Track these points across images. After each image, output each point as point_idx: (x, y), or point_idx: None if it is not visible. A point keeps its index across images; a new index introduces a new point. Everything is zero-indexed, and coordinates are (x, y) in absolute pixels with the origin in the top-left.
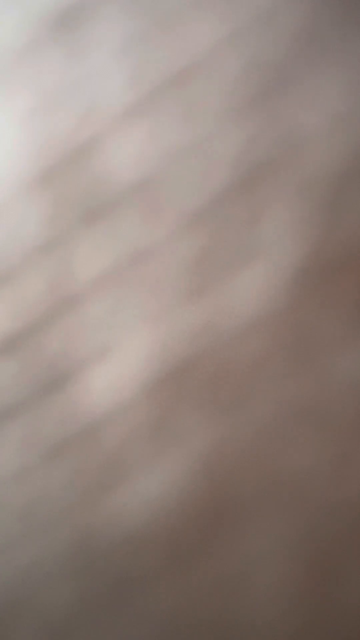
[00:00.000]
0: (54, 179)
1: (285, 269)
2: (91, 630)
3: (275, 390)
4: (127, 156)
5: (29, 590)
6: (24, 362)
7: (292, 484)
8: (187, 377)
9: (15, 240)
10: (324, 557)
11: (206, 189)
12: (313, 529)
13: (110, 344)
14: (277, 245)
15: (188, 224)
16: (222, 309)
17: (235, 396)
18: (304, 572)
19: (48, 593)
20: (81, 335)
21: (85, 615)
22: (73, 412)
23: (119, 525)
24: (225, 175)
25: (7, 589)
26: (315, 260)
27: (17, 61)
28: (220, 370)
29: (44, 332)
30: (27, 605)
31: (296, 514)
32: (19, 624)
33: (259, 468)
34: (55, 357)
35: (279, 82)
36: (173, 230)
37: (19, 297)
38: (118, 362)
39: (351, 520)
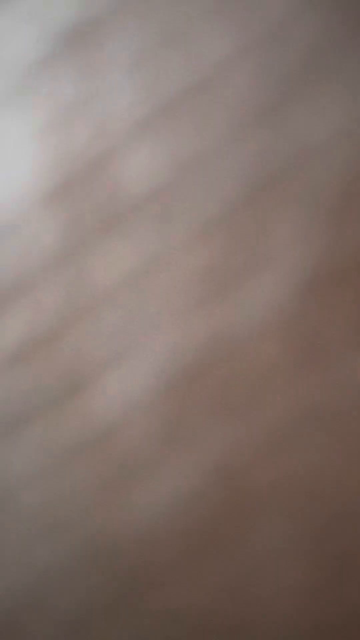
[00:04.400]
0: (69, 191)
1: (294, 277)
2: (107, 629)
3: (285, 395)
4: (140, 169)
5: (45, 590)
6: (42, 368)
7: (302, 485)
8: (200, 383)
9: (33, 251)
10: (334, 557)
11: (217, 200)
12: (324, 530)
13: (124, 351)
14: (286, 255)
15: (199, 235)
16: (233, 317)
17: (246, 401)
18: (314, 572)
19: (64, 593)
20: (96, 343)
21: (101, 615)
22: (89, 417)
23: (134, 526)
24: (235, 187)
25: (25, 589)
26: (323, 269)
27: (32, 77)
28: (232, 376)
29: (61, 340)
30: (44, 605)
31: (307, 514)
32: (36, 623)
33: (270, 471)
34: (71, 364)
35: (288, 96)
36: (185, 240)
37: (36, 306)
38: (132, 368)
39: None
